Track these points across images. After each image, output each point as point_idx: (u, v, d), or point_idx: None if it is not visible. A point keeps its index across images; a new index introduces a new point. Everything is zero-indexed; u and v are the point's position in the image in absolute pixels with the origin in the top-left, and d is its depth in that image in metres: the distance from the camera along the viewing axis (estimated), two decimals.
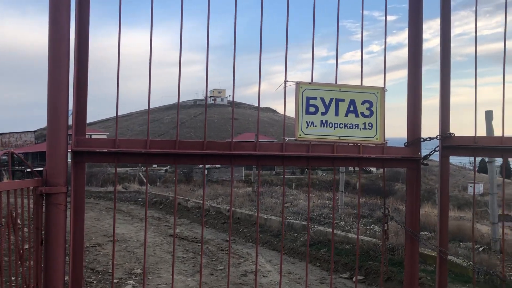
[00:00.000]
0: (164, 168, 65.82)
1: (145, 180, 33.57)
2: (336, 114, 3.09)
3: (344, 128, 3.10)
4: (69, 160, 2.73)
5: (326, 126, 3.08)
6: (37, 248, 2.72)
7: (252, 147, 2.99)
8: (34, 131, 79.86)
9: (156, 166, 59.10)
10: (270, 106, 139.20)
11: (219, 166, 61.08)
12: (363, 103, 3.15)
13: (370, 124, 3.14)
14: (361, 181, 14.31)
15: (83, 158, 2.86)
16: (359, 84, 3.15)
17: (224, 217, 11.32)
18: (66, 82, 2.74)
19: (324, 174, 50.23)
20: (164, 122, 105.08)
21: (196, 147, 2.93)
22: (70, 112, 2.89)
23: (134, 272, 6.48)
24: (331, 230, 8.14)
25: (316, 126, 3.06)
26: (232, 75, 3.02)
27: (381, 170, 3.39)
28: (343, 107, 3.10)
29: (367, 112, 3.14)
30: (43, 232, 2.73)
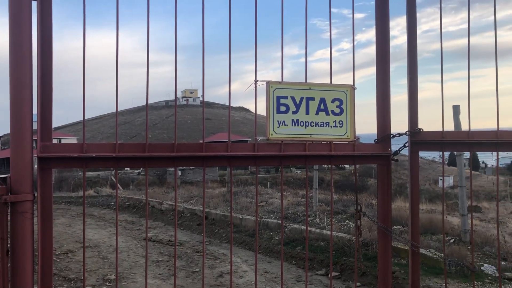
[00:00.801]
0: (137, 171, 64.89)
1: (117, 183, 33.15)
2: (307, 112, 3.10)
3: (315, 126, 3.11)
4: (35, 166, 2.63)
5: (298, 125, 3.08)
6: (3, 259, 2.62)
7: (224, 148, 2.97)
8: (0, 137, 77.49)
9: (128, 169, 58.21)
10: (243, 106, 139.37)
11: (193, 167, 60.82)
12: (333, 101, 3.17)
13: (340, 122, 3.16)
14: (335, 178, 14.43)
15: (49, 164, 2.78)
16: (329, 82, 3.17)
17: (199, 218, 11.25)
18: (30, 85, 2.64)
19: (299, 172, 50.65)
20: (135, 124, 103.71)
21: (166, 150, 2.89)
22: (35, 117, 2.79)
23: (107, 278, 6.35)
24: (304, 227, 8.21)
25: (287, 125, 3.06)
26: (202, 76, 2.99)
27: (353, 166, 3.43)
28: (313, 105, 3.11)
29: (337, 110, 3.16)
30: (8, 242, 2.63)
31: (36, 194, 2.71)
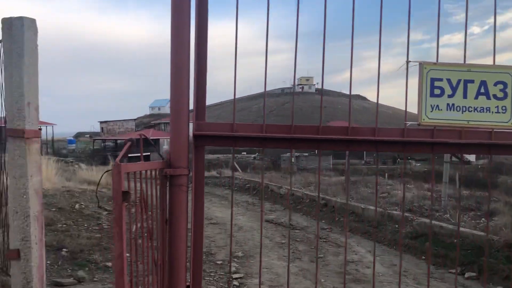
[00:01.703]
0: (253, 156, 67.26)
1: (237, 167, 34.53)
2: (465, 96, 2.84)
3: (474, 112, 2.84)
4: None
5: (453, 110, 2.84)
6: (163, 226, 2.86)
7: (371, 133, 2.86)
8: (135, 119, 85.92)
9: (245, 153, 60.53)
10: (360, 93, 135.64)
11: (307, 154, 60.93)
12: (495, 84, 2.86)
13: (503, 108, 2.84)
14: (461, 173, 13.29)
15: (203, 141, 2.94)
16: (485, 63, 2.88)
17: (319, 205, 11.23)
18: (187, 70, 2.82)
19: (418, 164, 47.84)
20: (252, 111, 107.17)
21: (311, 132, 2.88)
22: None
23: (235, 255, 6.66)
24: (435, 222, 7.70)
25: (441, 109, 2.84)
26: (322, 62, 2.91)
27: (482, 161, 3.09)
28: (472, 89, 2.84)
29: (500, 94, 2.85)
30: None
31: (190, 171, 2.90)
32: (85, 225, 7.45)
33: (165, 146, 63.92)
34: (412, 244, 7.14)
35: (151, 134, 62.96)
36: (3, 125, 3.29)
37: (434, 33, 2.92)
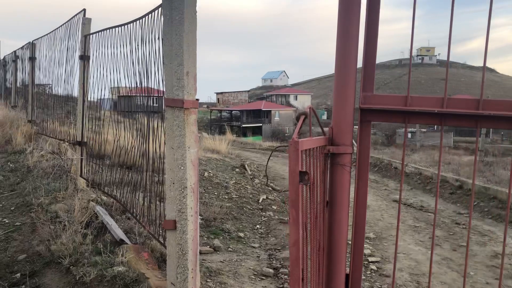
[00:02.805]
0: None
1: (353, 141, 33.48)
2: None
3: None
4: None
5: None
6: (323, 208, 2.62)
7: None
8: (248, 91, 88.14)
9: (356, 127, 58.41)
10: (487, 65, 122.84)
11: (425, 129, 57.19)
12: None
13: None
14: None
15: (371, 116, 2.60)
16: None
17: (451, 186, 10.27)
18: (356, 35, 2.48)
19: None
20: None
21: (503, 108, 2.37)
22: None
23: (367, 236, 6.30)
24: None
25: None
26: (449, 30, 2.30)
27: None
28: None
29: None
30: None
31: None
32: (215, 193, 7.65)
33: (276, 117, 64.83)
34: None
35: (263, 106, 64.15)
36: (162, 95, 3.29)
37: None
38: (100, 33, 5.41)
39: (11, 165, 7.25)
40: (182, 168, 2.89)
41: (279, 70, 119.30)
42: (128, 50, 4.50)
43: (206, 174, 8.91)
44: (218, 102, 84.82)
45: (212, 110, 72.88)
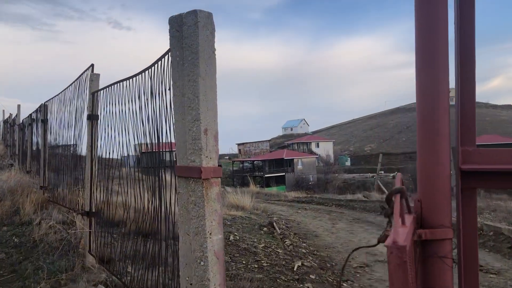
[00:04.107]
0: (392, 175, 63.10)
1: (383, 188, 31.93)
2: None
3: None
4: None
5: None
6: None
7: None
8: (269, 140, 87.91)
9: (382, 172, 56.81)
10: (509, 103, 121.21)
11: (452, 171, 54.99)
12: None
13: None
14: None
15: (476, 181, 1.75)
16: None
17: (508, 239, 9.06)
18: (445, 66, 1.70)
19: None
20: (388, 127, 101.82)
21: None
22: None
23: None
24: None
25: None
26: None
27: None
28: None
29: None
30: None
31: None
32: (243, 261, 6.71)
33: (299, 166, 63.80)
34: None
35: (285, 155, 63.41)
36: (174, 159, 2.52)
37: None
38: (107, 89, 4.80)
39: (15, 239, 6.53)
40: (202, 263, 2.06)
41: (299, 119, 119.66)
42: (137, 106, 3.83)
43: (231, 237, 8.01)
44: (240, 152, 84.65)
45: (234, 161, 72.48)
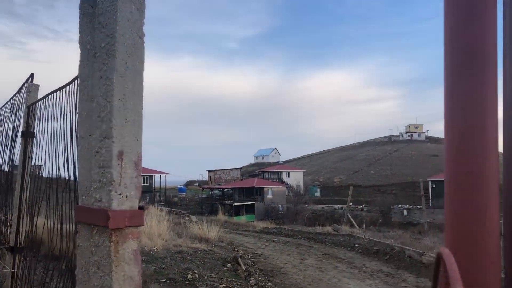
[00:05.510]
0: (360, 207, 62.84)
1: (353, 221, 31.52)
2: None
3: None
4: None
5: None
6: None
7: None
8: (240, 168, 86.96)
9: (351, 204, 56.53)
10: None
11: (420, 206, 55.34)
12: None
13: None
14: None
15: None
16: None
17: None
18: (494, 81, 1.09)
19: None
20: (358, 159, 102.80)
21: None
22: None
23: None
24: None
25: None
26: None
27: None
28: None
29: None
30: None
31: None
32: None
33: (269, 195, 62.93)
34: None
35: (255, 183, 62.53)
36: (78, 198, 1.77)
37: None
38: (42, 101, 4.04)
39: None
40: None
41: (271, 148, 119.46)
42: (68, 124, 3.08)
43: (189, 276, 7.16)
44: (210, 179, 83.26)
45: (204, 188, 71.02)
